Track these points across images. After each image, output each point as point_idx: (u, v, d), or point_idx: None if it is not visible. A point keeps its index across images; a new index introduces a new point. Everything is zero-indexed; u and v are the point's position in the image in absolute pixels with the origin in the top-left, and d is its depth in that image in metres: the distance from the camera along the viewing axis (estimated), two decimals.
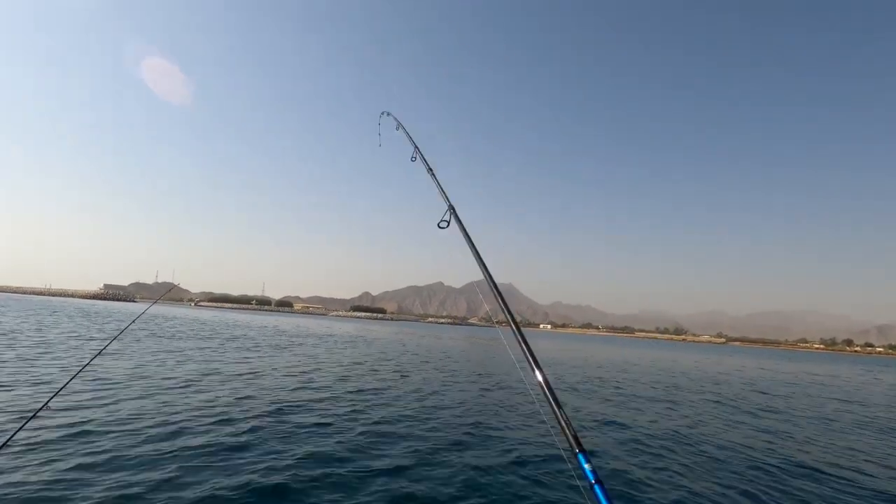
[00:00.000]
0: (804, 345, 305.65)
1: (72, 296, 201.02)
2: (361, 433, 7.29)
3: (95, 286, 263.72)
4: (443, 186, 3.43)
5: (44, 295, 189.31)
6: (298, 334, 34.64)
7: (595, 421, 9.81)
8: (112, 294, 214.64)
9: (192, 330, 29.77)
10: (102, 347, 5.03)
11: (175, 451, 5.78)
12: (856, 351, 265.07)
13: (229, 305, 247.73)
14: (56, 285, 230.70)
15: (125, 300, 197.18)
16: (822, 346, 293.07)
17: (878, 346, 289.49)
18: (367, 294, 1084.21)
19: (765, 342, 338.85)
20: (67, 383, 4.14)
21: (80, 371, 4.69)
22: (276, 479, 5.16)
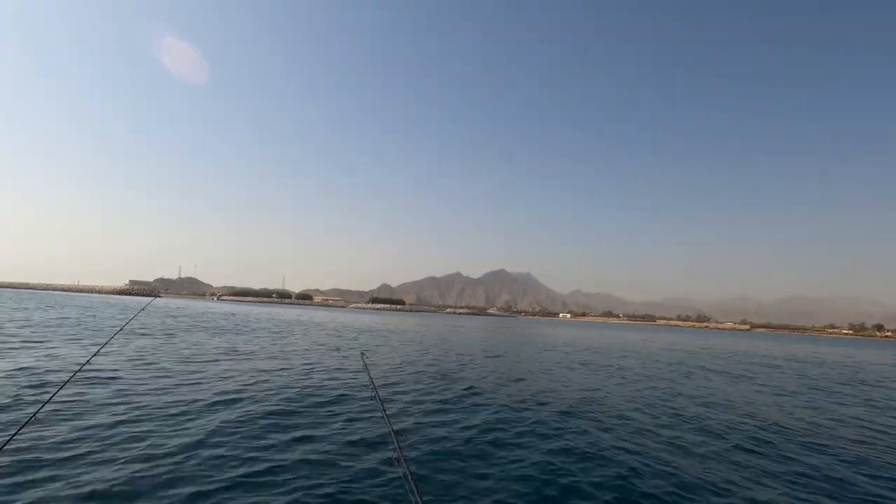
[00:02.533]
0: (832, 330, 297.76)
1: (99, 292, 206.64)
2: None
3: (121, 282, 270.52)
4: None
5: (72, 291, 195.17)
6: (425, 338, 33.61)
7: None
8: (137, 290, 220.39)
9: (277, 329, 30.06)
10: (106, 341, 4.98)
11: None
12: (886, 336, 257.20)
13: (250, 299, 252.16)
14: (83, 282, 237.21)
15: (151, 295, 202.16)
16: (850, 331, 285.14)
17: None
18: (385, 286, 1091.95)
19: (790, 328, 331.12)
20: (70, 379, 4.33)
21: (84, 365, 4.79)
22: None
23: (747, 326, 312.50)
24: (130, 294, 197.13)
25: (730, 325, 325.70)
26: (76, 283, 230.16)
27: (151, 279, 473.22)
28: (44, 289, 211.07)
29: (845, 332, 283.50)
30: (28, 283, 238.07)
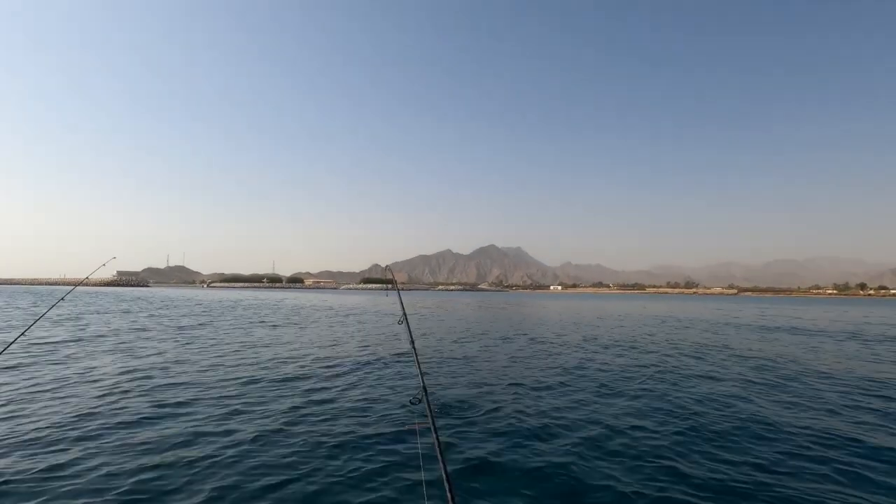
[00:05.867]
0: (817, 291, 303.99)
1: (85, 284, 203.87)
2: None
3: (109, 273, 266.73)
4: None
5: (59, 285, 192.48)
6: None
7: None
8: (125, 280, 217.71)
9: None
10: (32, 322, 4.93)
11: None
12: (870, 294, 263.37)
13: (240, 285, 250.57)
14: (70, 274, 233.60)
15: (139, 285, 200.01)
16: (834, 291, 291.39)
17: (893, 289, 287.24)
18: (376, 266, 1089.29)
19: (776, 291, 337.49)
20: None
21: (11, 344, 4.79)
22: None
23: (735, 291, 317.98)
24: (118, 285, 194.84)
25: (718, 290, 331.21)
26: (62, 277, 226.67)
27: (140, 269, 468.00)
28: (30, 283, 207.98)
29: (829, 291, 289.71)
30: (11, 279, 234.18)
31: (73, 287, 7.43)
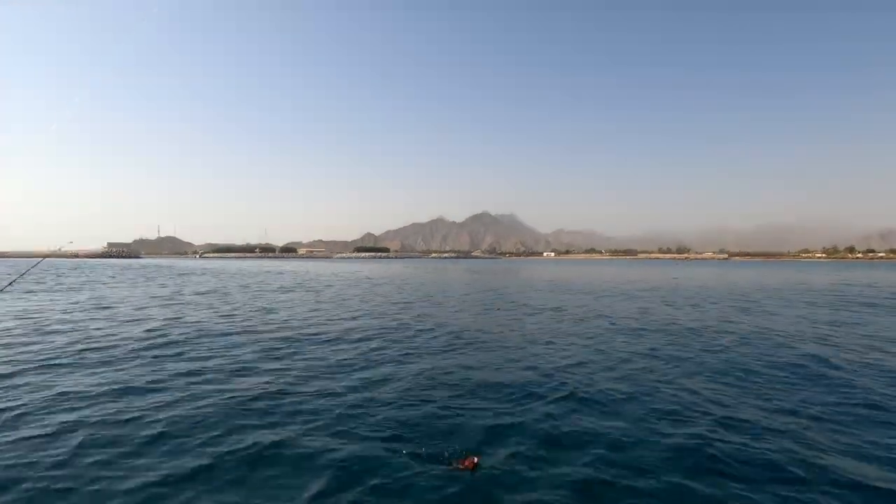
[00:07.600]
0: (806, 254, 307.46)
1: (76, 256, 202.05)
2: None
3: (99, 245, 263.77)
4: None
5: (50, 257, 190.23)
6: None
7: None
8: (116, 252, 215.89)
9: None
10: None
11: None
12: (857, 257, 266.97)
13: (233, 255, 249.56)
14: (55, 245, 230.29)
15: (130, 257, 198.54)
16: (823, 254, 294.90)
17: (880, 252, 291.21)
18: (369, 234, 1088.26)
19: (767, 255, 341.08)
20: None
21: None
22: None
23: (725, 255, 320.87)
24: (109, 257, 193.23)
25: (709, 254, 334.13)
26: (57, 249, 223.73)
27: (130, 240, 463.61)
28: (22, 256, 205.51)
29: (818, 255, 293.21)
30: (5, 253, 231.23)
31: (38, 260, 6.98)
